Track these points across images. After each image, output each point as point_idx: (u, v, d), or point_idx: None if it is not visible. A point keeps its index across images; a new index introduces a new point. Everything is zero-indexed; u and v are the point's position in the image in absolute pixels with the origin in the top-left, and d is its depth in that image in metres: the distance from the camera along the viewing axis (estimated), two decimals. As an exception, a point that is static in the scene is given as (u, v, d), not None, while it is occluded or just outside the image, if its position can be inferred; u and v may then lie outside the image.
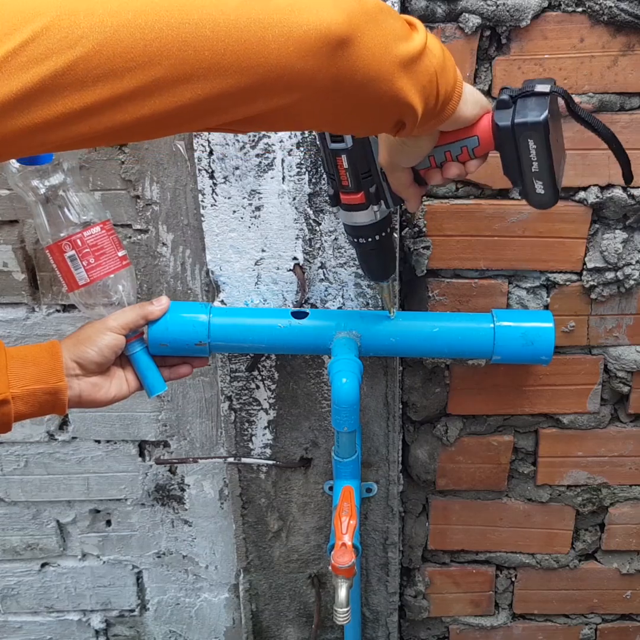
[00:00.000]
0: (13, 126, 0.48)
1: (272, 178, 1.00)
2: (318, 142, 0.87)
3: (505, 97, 0.72)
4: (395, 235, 1.01)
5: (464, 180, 1.03)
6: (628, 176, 0.79)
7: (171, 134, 0.60)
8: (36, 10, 0.47)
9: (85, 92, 0.49)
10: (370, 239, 0.90)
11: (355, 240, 0.92)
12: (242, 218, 1.02)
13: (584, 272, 1.08)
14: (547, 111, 0.70)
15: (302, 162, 0.99)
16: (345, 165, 0.84)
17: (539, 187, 0.75)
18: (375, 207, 0.87)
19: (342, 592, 0.94)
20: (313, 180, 1.00)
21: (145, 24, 0.49)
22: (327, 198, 1.01)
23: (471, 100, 0.72)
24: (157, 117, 0.52)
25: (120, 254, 0.94)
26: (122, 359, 0.96)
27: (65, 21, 0.47)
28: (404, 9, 0.95)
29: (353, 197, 0.86)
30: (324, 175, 1.00)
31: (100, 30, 0.48)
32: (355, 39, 0.55)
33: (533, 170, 0.74)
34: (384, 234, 0.91)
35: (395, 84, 0.59)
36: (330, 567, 0.96)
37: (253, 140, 0.98)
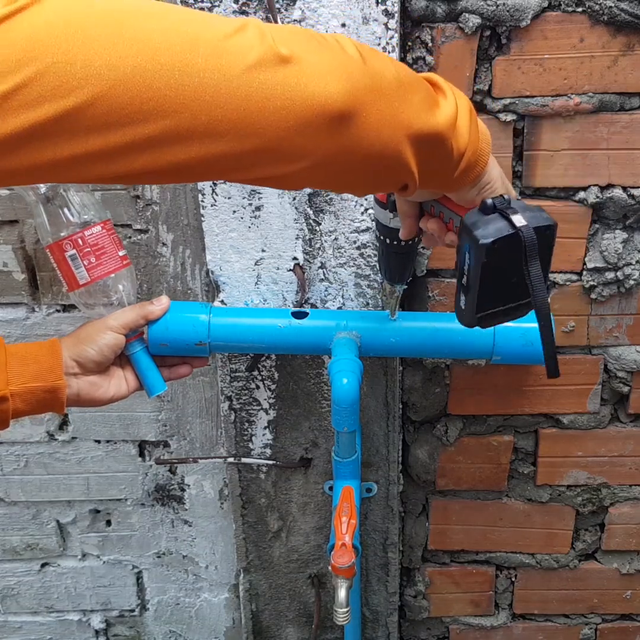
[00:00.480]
0: (9, 163, 0.48)
1: (272, 178, 1.00)
2: None
3: (489, 202, 0.69)
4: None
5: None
6: (552, 370, 0.73)
7: (169, 183, 0.59)
8: (32, 55, 0.45)
9: (75, 143, 0.48)
10: (388, 240, 0.90)
11: (382, 238, 0.91)
12: (242, 218, 1.02)
13: (584, 272, 1.08)
14: (491, 240, 0.66)
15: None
16: None
17: (462, 301, 0.73)
18: (391, 215, 0.88)
19: (341, 593, 0.94)
20: (313, 180, 1.00)
21: (143, 82, 0.47)
22: (328, 199, 1.01)
23: (483, 188, 0.70)
24: (149, 171, 0.52)
25: (120, 253, 0.94)
26: (122, 359, 0.96)
27: (60, 68, 0.46)
28: (404, 9, 0.95)
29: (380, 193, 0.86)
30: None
31: (97, 83, 0.46)
32: (358, 114, 0.54)
33: (462, 282, 0.72)
34: (404, 243, 0.91)
35: (401, 158, 0.58)
36: (330, 568, 0.96)
37: (253, 140, 0.98)
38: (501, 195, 0.69)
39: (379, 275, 1.05)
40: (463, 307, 0.73)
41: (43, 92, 0.46)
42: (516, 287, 0.71)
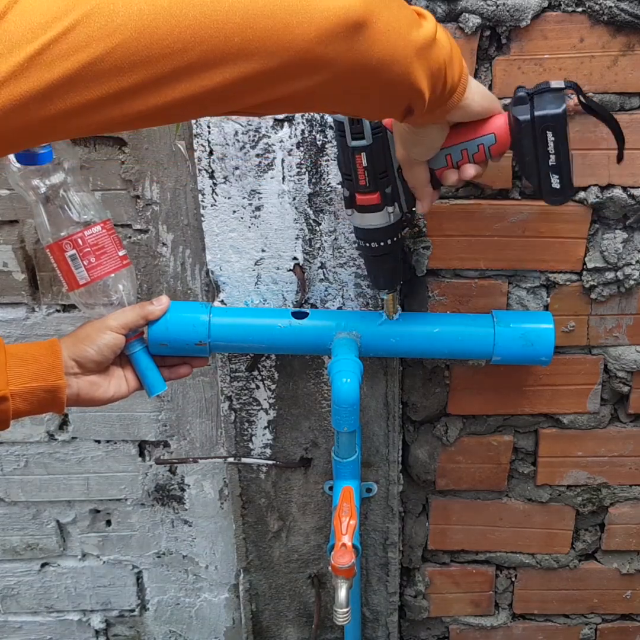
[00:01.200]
0: (52, 111, 0.50)
1: (272, 178, 1.00)
2: (336, 142, 0.88)
3: (522, 93, 0.75)
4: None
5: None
6: (620, 154, 0.82)
7: (197, 117, 0.62)
8: (77, 0, 0.48)
9: (122, 78, 0.51)
10: (382, 243, 0.91)
11: (367, 244, 0.92)
12: (242, 218, 1.02)
13: (584, 272, 1.08)
14: (565, 104, 0.73)
15: (302, 162, 0.99)
16: (365, 163, 0.85)
17: (555, 182, 0.78)
18: (390, 208, 0.88)
19: (342, 593, 0.94)
20: (313, 180, 1.00)
21: (180, 12, 0.51)
22: (328, 199, 1.01)
23: (478, 92, 0.75)
24: (188, 100, 0.55)
25: (120, 253, 0.94)
26: (122, 359, 0.96)
27: (104, 9, 0.49)
28: (404, 9, 0.95)
29: (369, 198, 0.87)
30: (324, 176, 1.00)
31: (139, 18, 0.50)
32: (370, 22, 0.58)
33: (550, 163, 0.76)
34: (395, 238, 0.91)
35: (408, 69, 0.62)
36: (330, 568, 0.96)
37: (253, 140, 0.98)
38: (517, 88, 0.77)
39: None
40: (558, 186, 0.78)
41: (91, 32, 0.49)
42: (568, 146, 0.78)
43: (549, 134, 0.75)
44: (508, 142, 0.77)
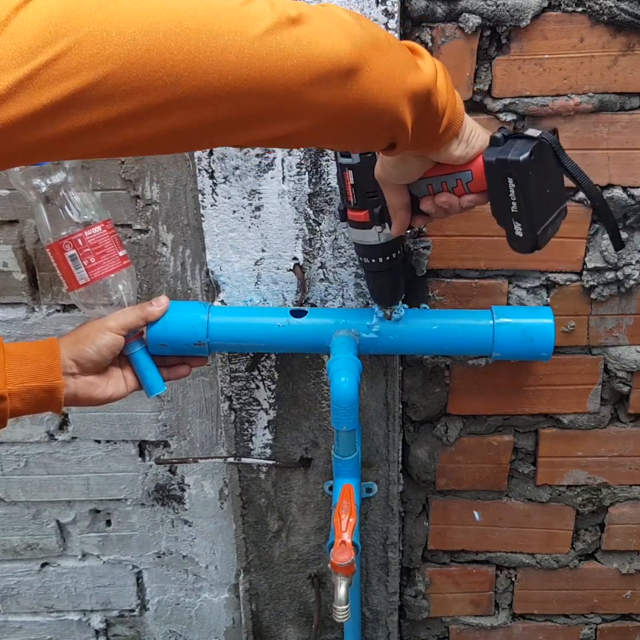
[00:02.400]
0: (40, 136, 0.50)
1: (272, 178, 1.00)
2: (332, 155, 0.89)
3: (498, 135, 0.74)
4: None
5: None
6: (617, 243, 0.78)
7: (189, 151, 0.61)
8: (69, 26, 0.48)
9: (111, 107, 0.50)
10: (374, 260, 0.91)
11: (361, 259, 0.93)
12: (242, 218, 1.02)
13: (584, 272, 1.08)
14: (528, 152, 0.71)
15: (302, 162, 0.99)
16: (351, 180, 0.86)
17: (518, 229, 0.76)
18: (379, 228, 0.88)
19: (341, 590, 0.95)
20: (313, 180, 1.00)
21: (174, 45, 0.50)
22: (328, 199, 1.01)
23: (467, 142, 0.74)
24: (177, 132, 0.55)
25: (120, 253, 0.94)
26: (121, 359, 0.96)
27: (97, 36, 0.48)
28: (404, 9, 0.95)
29: (358, 215, 0.88)
30: (324, 176, 1.00)
31: (132, 49, 0.49)
32: (363, 69, 0.58)
33: (512, 210, 0.75)
34: (388, 257, 0.92)
35: (397, 114, 0.63)
36: (329, 565, 0.96)
37: (253, 140, 0.98)
38: (499, 128, 0.75)
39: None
40: (521, 235, 0.76)
41: (82, 59, 0.48)
42: (552, 197, 0.76)
43: (510, 181, 0.73)
44: (484, 181, 0.76)
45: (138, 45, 0.49)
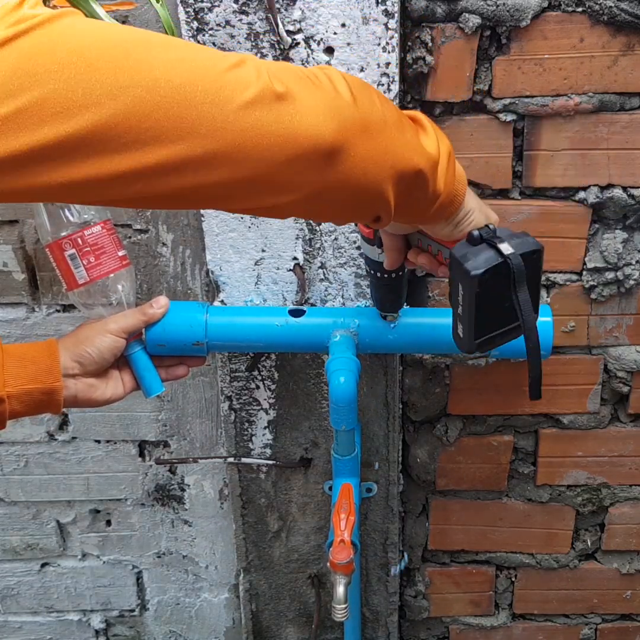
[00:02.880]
0: (7, 184, 0.49)
1: (272, 178, 1.00)
2: None
3: (475, 233, 0.71)
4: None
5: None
6: (534, 392, 0.75)
7: (156, 209, 0.61)
8: (34, 79, 0.46)
9: (72, 168, 0.49)
10: (378, 274, 0.92)
11: (368, 270, 0.93)
12: (242, 218, 1.02)
13: (584, 272, 1.08)
14: (482, 271, 0.69)
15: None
16: None
17: (460, 329, 0.75)
18: (379, 250, 0.88)
19: (340, 589, 0.95)
20: (313, 180, 1.00)
21: (143, 112, 0.49)
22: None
23: (458, 225, 0.72)
24: (142, 198, 0.54)
25: (120, 253, 0.94)
26: (119, 360, 0.95)
27: (62, 95, 0.47)
28: (404, 9, 0.95)
29: (365, 229, 0.88)
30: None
31: (97, 111, 0.48)
32: (345, 151, 0.56)
33: (458, 311, 0.74)
34: (394, 275, 0.92)
35: (382, 194, 0.61)
36: (328, 564, 0.96)
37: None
38: (486, 226, 0.72)
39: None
40: (461, 335, 0.75)
41: (43, 116, 0.47)
42: (510, 311, 0.72)
43: (460, 286, 0.72)
44: None
45: (104, 109, 0.48)
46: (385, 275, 0.91)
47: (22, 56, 0.46)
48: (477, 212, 0.73)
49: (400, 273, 0.92)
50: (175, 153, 0.50)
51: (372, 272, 0.92)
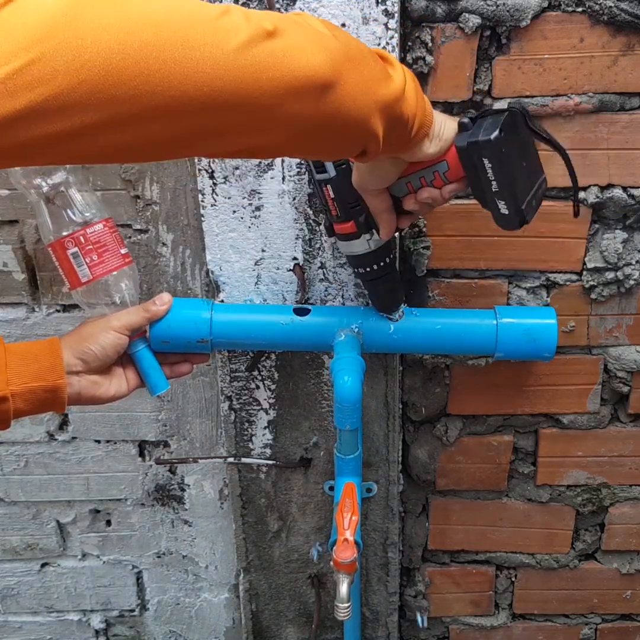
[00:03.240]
0: (14, 140, 0.49)
1: (272, 178, 1.00)
2: (307, 173, 0.90)
3: (465, 119, 0.74)
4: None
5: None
6: (576, 210, 0.82)
7: (164, 159, 0.64)
8: (44, 33, 0.47)
9: (85, 115, 0.50)
10: (368, 269, 0.92)
11: (356, 270, 0.93)
12: (242, 218, 1.02)
13: (584, 272, 1.08)
14: (498, 129, 0.71)
15: (302, 162, 0.99)
16: (332, 194, 0.87)
17: (502, 207, 0.76)
18: (367, 236, 0.89)
19: (343, 588, 0.95)
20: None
21: (151, 55, 0.50)
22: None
23: (439, 137, 0.75)
24: (153, 142, 0.55)
25: (122, 251, 0.94)
26: (123, 357, 0.95)
27: (72, 44, 0.48)
28: (404, 9, 0.95)
29: (344, 227, 0.89)
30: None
31: (107, 56, 0.49)
32: (338, 83, 0.59)
33: (493, 189, 0.74)
34: (382, 263, 0.92)
35: (369, 123, 0.64)
36: (331, 563, 0.96)
37: (253, 140, 0.98)
38: (464, 112, 0.76)
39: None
40: (507, 212, 0.75)
41: (57, 66, 0.48)
42: (531, 168, 0.76)
43: (486, 161, 0.73)
44: (460, 168, 0.77)
45: (113, 54, 0.49)
46: (380, 264, 0.91)
47: (31, 13, 0.48)
48: (448, 119, 0.76)
49: (388, 259, 0.92)
50: (183, 93, 0.52)
51: (363, 270, 0.93)
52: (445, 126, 0.76)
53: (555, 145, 0.76)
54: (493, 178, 0.73)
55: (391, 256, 0.94)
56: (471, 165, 0.74)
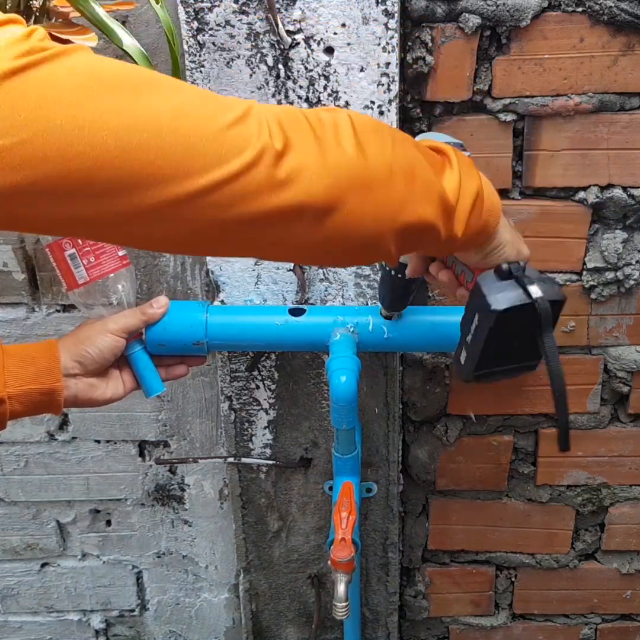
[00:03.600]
0: None
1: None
2: None
3: (505, 267, 0.68)
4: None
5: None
6: (563, 443, 0.71)
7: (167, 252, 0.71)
8: (41, 113, 0.46)
9: (69, 206, 0.50)
10: (398, 275, 0.91)
11: (388, 269, 0.92)
12: (242, 218, 1.02)
13: (584, 272, 1.08)
14: (503, 308, 0.66)
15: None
16: None
17: (463, 356, 0.73)
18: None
19: (341, 587, 0.95)
20: (313, 180, 1.00)
21: (147, 157, 0.49)
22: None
23: (487, 253, 0.70)
24: (141, 239, 0.56)
25: (120, 253, 0.94)
26: (119, 359, 0.95)
27: (67, 131, 0.47)
28: (404, 9, 0.95)
29: None
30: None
31: (102, 150, 0.48)
32: (339, 209, 0.56)
33: (467, 339, 0.72)
34: (398, 274, 0.91)
35: (380, 247, 0.60)
36: (329, 562, 0.96)
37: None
38: (517, 262, 0.69)
39: (379, 275, 1.05)
40: (463, 362, 0.73)
41: (47, 152, 0.47)
42: (519, 350, 0.71)
43: (476, 317, 0.70)
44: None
45: (109, 149, 0.48)
46: (400, 276, 0.90)
47: (32, 88, 0.46)
48: (509, 246, 0.70)
49: (417, 277, 0.91)
50: (175, 195, 0.51)
51: (387, 269, 0.91)
52: (500, 252, 0.70)
53: (550, 368, 0.68)
54: (472, 331, 0.71)
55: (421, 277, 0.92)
56: (469, 305, 0.72)
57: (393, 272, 0.90)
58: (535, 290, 0.66)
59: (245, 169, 0.52)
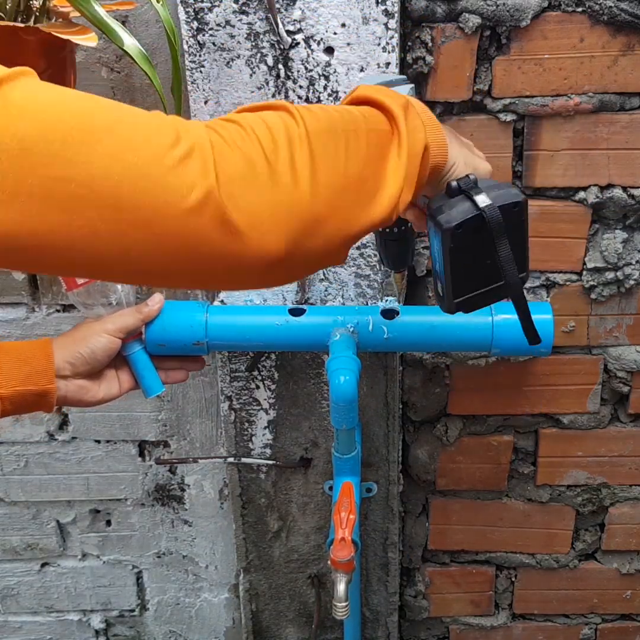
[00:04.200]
0: None
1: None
2: None
3: (454, 184, 0.66)
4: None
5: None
6: (531, 337, 0.72)
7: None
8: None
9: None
10: (387, 230, 0.90)
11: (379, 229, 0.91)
12: (242, 218, 1.02)
13: (584, 272, 1.08)
14: (455, 223, 0.65)
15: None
16: None
17: (439, 288, 0.71)
18: None
19: (340, 587, 0.95)
20: (313, 180, 1.00)
21: (74, 209, 0.47)
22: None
23: (445, 175, 0.68)
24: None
25: (120, 253, 0.94)
26: (117, 359, 0.94)
27: None
28: (404, 9, 0.95)
29: None
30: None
31: (31, 202, 0.45)
32: (293, 255, 0.55)
33: (436, 267, 0.70)
34: (403, 227, 0.90)
35: (339, 258, 0.62)
36: (329, 562, 0.96)
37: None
38: (467, 176, 0.67)
39: (379, 275, 1.05)
40: (442, 294, 0.71)
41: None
42: (492, 269, 0.68)
43: (435, 242, 0.67)
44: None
45: (34, 201, 0.45)
46: (387, 230, 0.90)
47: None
48: (462, 165, 0.68)
49: (403, 227, 0.90)
50: (108, 251, 0.49)
51: (384, 230, 0.90)
52: (455, 168, 0.68)
53: (505, 275, 0.67)
54: (436, 258, 0.68)
55: (409, 224, 0.92)
56: (429, 232, 0.69)
57: (381, 230, 0.89)
58: (482, 199, 0.65)
59: (193, 212, 0.49)
